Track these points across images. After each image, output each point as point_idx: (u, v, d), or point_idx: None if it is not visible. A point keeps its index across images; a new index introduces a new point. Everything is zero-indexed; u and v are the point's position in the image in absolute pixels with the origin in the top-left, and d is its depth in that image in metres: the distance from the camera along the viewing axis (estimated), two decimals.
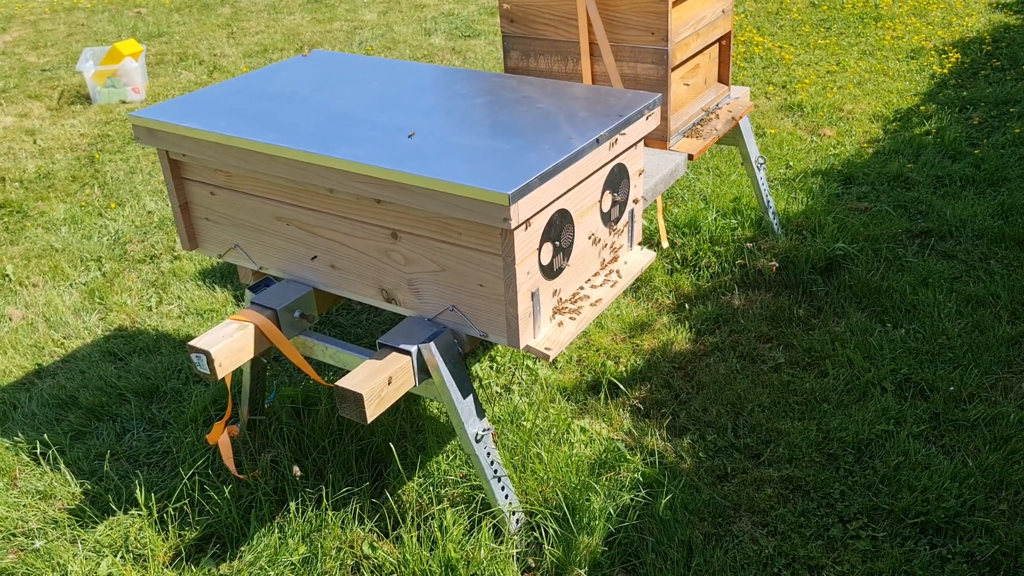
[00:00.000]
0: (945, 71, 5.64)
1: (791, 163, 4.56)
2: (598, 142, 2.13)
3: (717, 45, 3.30)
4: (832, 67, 5.87)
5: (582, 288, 2.31)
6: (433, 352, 2.14)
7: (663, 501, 2.44)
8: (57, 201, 4.73)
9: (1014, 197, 3.99)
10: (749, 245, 3.28)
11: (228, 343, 2.25)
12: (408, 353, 2.14)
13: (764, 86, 5.64)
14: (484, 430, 2.24)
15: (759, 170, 3.66)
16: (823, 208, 3.97)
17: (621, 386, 2.99)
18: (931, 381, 2.93)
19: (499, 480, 2.29)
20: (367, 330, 3.47)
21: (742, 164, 4.44)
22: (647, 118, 2.32)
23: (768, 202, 3.75)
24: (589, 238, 2.27)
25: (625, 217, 2.41)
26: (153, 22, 8.21)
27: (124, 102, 6.15)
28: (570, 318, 2.21)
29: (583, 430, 2.76)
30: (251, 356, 2.33)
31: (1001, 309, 3.27)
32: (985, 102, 5.10)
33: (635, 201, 2.44)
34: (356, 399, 2.03)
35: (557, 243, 2.13)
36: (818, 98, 5.36)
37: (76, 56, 7.21)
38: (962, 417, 2.77)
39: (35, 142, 5.56)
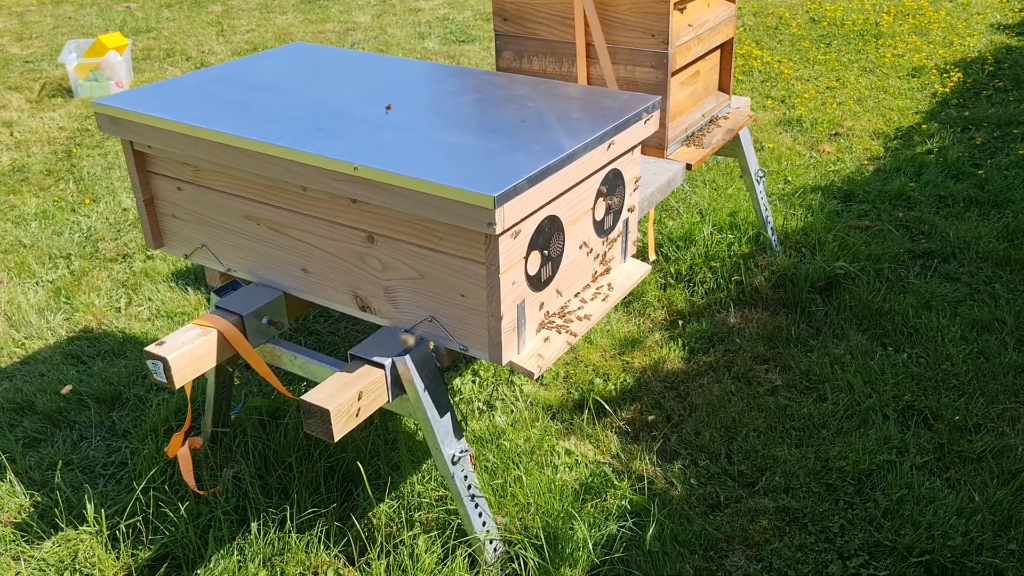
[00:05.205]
0: (947, 90, 5.53)
1: (789, 178, 4.43)
2: (593, 145, 1.98)
3: (719, 51, 3.16)
4: (832, 83, 5.76)
5: (571, 301, 2.15)
6: (408, 366, 1.98)
7: (651, 532, 2.28)
8: (30, 195, 4.55)
9: (1019, 220, 3.87)
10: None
11: (188, 350, 2.09)
12: (381, 366, 1.98)
13: (763, 100, 5.52)
14: (462, 451, 2.07)
15: (758, 183, 3.52)
16: (823, 225, 3.83)
17: (608, 407, 2.83)
18: (935, 409, 2.79)
19: (476, 506, 2.13)
20: (345, 339, 3.30)
21: (741, 177, 4.30)
22: (645, 121, 2.17)
23: (767, 217, 3.61)
24: (580, 248, 2.12)
25: (619, 227, 2.26)
26: (142, 17, 8.05)
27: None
28: (557, 333, 2.05)
29: (568, 452, 2.60)
30: (213, 364, 2.16)
31: (1007, 335, 3.13)
32: (988, 122, 4.99)
33: (630, 209, 2.29)
34: (323, 415, 1.87)
35: (546, 252, 1.97)
36: (817, 113, 5.24)
37: (60, 49, 7.04)
38: (968, 449, 2.62)
39: (12, 134, 5.38)
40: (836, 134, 4.96)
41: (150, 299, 3.59)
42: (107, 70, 6.02)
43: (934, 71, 5.87)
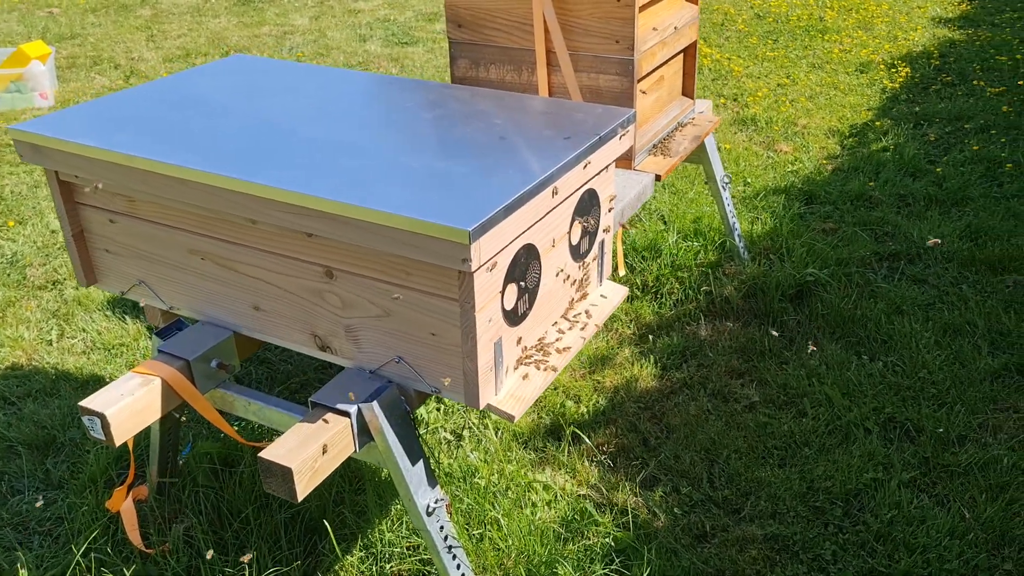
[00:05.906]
0: (896, 86, 5.53)
1: (749, 180, 4.35)
2: (569, 166, 1.83)
3: (682, 55, 3.05)
4: (783, 80, 5.72)
5: (548, 332, 2.01)
6: (376, 413, 1.81)
7: (642, 575, 2.14)
8: None
9: (980, 218, 3.84)
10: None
11: (128, 403, 1.88)
12: (346, 414, 1.80)
13: (715, 99, 5.44)
14: (437, 501, 1.91)
15: (724, 190, 3.42)
16: (789, 230, 3.75)
17: (582, 433, 2.69)
18: (916, 421, 2.71)
19: (454, 557, 1.97)
20: (298, 367, 3.10)
21: (706, 183, 4.20)
22: (621, 137, 2.03)
23: (734, 224, 3.51)
24: (557, 275, 1.97)
25: (595, 249, 2.12)
26: (66, 23, 7.66)
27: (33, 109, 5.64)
28: (536, 369, 1.90)
29: (545, 487, 2.45)
30: (158, 416, 1.96)
31: (979, 339, 3.08)
32: (939, 118, 4.99)
33: (605, 230, 2.15)
34: (284, 474, 1.69)
35: (522, 284, 1.82)
36: (771, 112, 5.18)
37: None
38: (953, 462, 2.55)
39: None
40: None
41: (84, 330, 3.34)
42: (30, 81, 5.67)
43: (882, 66, 5.87)
